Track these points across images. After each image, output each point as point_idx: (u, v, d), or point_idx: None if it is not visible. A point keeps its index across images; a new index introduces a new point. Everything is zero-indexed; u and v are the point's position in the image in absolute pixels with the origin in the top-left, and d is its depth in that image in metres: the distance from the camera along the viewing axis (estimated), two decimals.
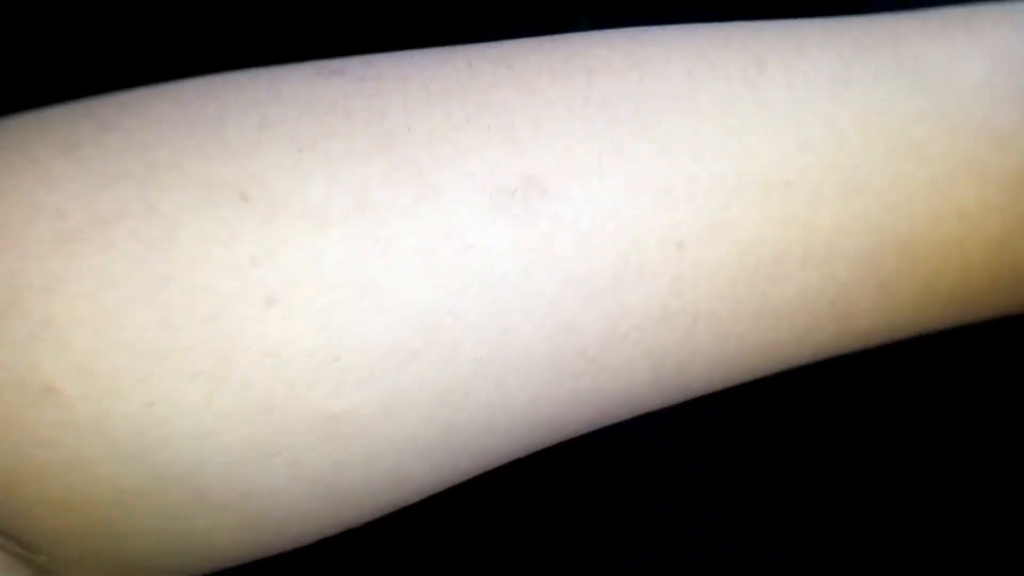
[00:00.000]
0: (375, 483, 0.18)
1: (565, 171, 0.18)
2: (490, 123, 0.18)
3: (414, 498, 0.20)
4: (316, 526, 0.19)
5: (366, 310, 0.17)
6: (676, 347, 0.19)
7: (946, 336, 0.22)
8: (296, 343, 0.16)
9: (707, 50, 0.19)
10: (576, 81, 0.18)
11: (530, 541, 0.25)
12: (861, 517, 0.26)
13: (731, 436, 0.26)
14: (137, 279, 0.16)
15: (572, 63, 0.19)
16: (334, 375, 0.17)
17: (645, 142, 0.18)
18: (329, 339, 0.17)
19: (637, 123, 0.18)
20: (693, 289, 0.18)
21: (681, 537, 0.25)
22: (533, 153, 0.18)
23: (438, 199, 0.17)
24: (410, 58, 0.19)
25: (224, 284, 0.16)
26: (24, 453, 0.16)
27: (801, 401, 0.26)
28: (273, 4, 0.26)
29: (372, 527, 0.20)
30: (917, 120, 0.18)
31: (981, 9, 0.19)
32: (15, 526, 0.17)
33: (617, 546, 0.25)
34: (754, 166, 0.18)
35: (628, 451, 0.26)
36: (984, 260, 0.19)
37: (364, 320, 0.17)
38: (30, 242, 0.16)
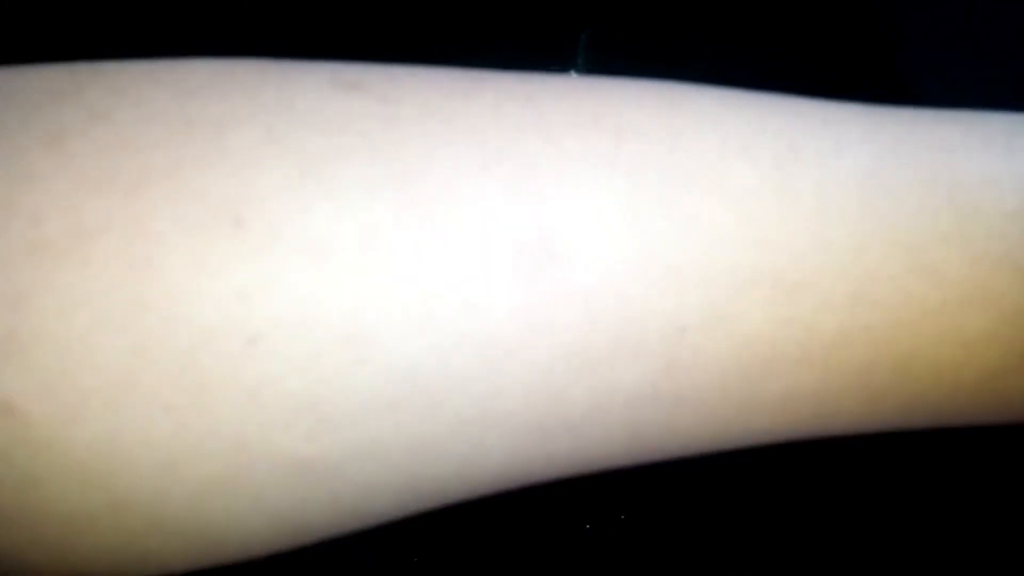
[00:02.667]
0: (337, 519, 0.18)
1: (578, 235, 0.17)
2: (510, 172, 0.17)
3: (374, 525, 0.20)
4: (273, 549, 0.18)
5: (352, 359, 0.16)
6: (656, 425, 0.18)
7: None
8: (275, 385, 0.16)
9: (742, 129, 0.18)
10: (604, 141, 0.17)
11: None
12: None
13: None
14: (113, 301, 0.15)
15: (603, 121, 0.18)
16: (309, 420, 0.16)
17: (663, 219, 0.17)
18: (309, 384, 0.16)
19: (658, 197, 0.17)
20: (686, 374, 0.18)
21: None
22: (550, 211, 0.17)
23: (446, 248, 0.16)
24: (435, 83, 0.18)
25: (206, 317, 0.15)
26: None
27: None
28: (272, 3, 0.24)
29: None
30: (941, 241, 0.18)
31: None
32: None
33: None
34: (768, 261, 0.17)
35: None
36: (976, 387, 0.19)
37: (348, 369, 0.16)
38: (0, 247, 0.15)
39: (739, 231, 0.17)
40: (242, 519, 0.17)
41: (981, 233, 0.18)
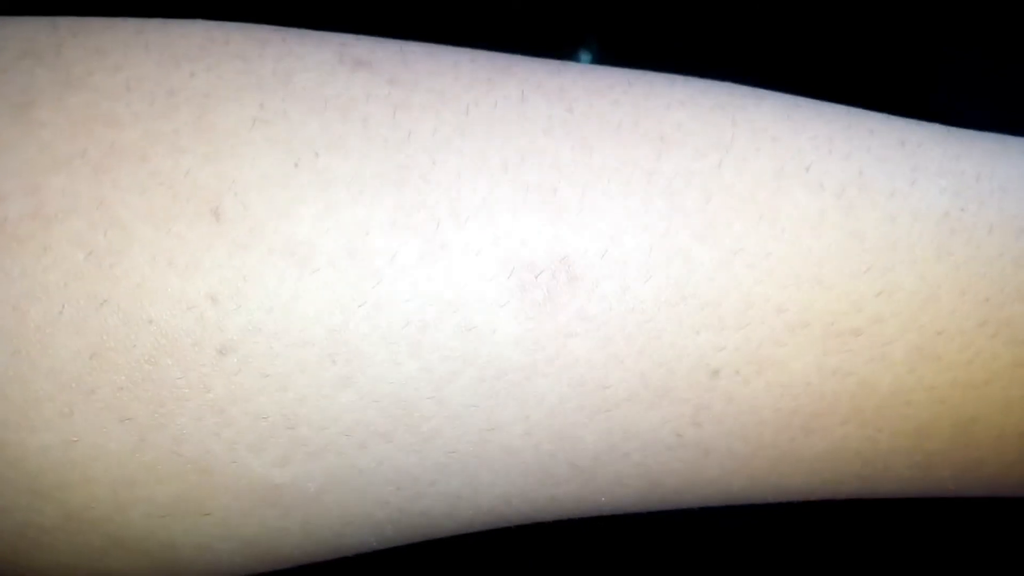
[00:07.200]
0: (311, 550, 0.16)
1: (604, 260, 0.15)
2: (531, 179, 0.15)
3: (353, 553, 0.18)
4: (243, 573, 0.17)
5: (335, 379, 0.14)
6: (677, 475, 0.16)
7: None
8: (246, 403, 0.14)
9: (804, 147, 0.15)
10: (643, 149, 0.15)
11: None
12: None
13: None
14: (71, 296, 0.13)
15: (644, 125, 0.15)
16: (283, 443, 0.14)
17: (706, 246, 0.15)
18: (285, 404, 0.14)
19: (702, 220, 0.15)
20: (715, 423, 0.16)
21: None
22: (572, 229, 0.15)
23: (448, 261, 0.14)
24: (454, 67, 0.16)
25: (172, 321, 0.13)
26: None
27: None
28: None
29: None
30: (1019, 294, 0.15)
31: None
32: None
33: None
34: (823, 304, 0.15)
35: None
36: None
37: (330, 390, 0.14)
38: None
39: (791, 267, 0.15)
40: (207, 543, 0.15)
41: None
